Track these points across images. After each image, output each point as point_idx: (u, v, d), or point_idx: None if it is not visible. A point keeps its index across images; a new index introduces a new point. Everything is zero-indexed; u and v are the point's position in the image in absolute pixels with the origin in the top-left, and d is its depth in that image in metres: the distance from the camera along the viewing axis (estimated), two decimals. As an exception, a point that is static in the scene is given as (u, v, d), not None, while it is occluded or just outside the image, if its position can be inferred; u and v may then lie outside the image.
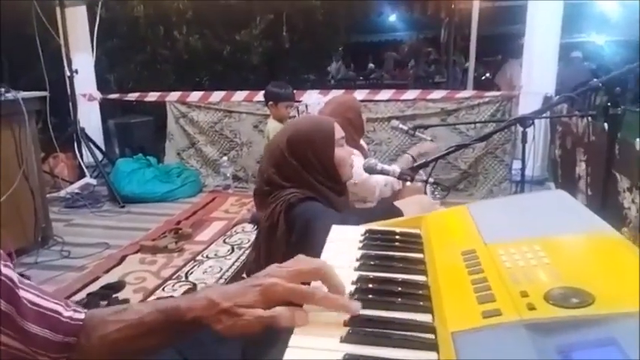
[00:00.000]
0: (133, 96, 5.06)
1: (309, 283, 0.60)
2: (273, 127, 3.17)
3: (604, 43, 9.83)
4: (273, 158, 1.47)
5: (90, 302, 2.40)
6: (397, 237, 0.81)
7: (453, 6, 9.22)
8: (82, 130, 4.38)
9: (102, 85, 5.26)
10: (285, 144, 1.45)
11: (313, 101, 3.34)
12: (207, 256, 3.04)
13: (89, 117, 4.86)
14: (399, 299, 0.60)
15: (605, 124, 1.66)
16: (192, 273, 2.81)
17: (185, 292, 2.51)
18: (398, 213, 1.25)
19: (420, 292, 0.62)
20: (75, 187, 4.18)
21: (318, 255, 0.73)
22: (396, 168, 1.75)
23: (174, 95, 4.85)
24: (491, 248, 0.63)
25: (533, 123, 2.13)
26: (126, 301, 2.46)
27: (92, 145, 4.47)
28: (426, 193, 1.79)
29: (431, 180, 1.78)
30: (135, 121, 5.17)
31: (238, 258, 3.00)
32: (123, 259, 3.01)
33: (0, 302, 0.56)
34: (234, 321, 0.57)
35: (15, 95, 2.85)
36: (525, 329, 0.46)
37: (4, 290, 0.57)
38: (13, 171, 2.86)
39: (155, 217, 3.81)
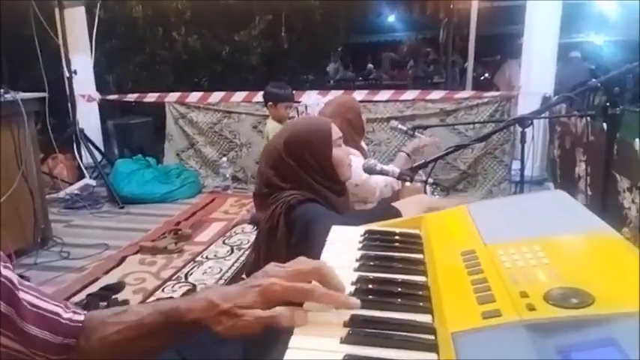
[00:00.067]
0: (132, 97, 5.06)
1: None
2: (272, 127, 3.18)
3: (603, 43, 9.84)
4: (272, 160, 1.47)
5: (89, 303, 2.40)
6: (397, 237, 0.81)
7: (451, 6, 9.23)
8: (81, 130, 4.38)
9: (101, 85, 5.26)
10: (283, 145, 1.45)
11: (312, 102, 3.34)
12: (206, 257, 3.04)
13: (88, 118, 4.86)
14: (399, 300, 0.60)
15: (604, 124, 1.66)
16: (191, 274, 2.81)
17: (185, 293, 2.51)
18: (396, 214, 1.25)
19: (420, 292, 0.62)
20: (74, 188, 4.18)
21: (318, 257, 0.73)
22: (395, 169, 1.75)
23: (173, 96, 4.85)
24: (491, 248, 0.63)
25: (532, 123, 2.13)
26: (125, 302, 2.46)
27: (91, 146, 4.47)
28: (425, 193, 1.79)
29: (430, 180, 1.78)
30: (134, 122, 5.16)
31: (238, 259, 3.00)
32: (122, 260, 3.01)
33: (0, 304, 0.56)
34: (234, 322, 0.57)
35: (14, 96, 2.84)
36: (525, 330, 0.46)
37: (4, 292, 0.57)
38: (12, 172, 2.86)
39: (154, 218, 3.80)
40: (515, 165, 3.85)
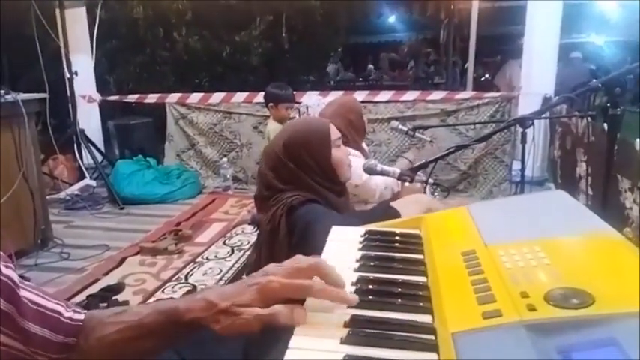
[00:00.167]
0: (132, 97, 5.07)
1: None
2: (273, 128, 3.18)
3: (603, 43, 9.84)
4: (271, 162, 1.47)
5: (90, 304, 2.40)
6: (397, 238, 0.81)
7: (452, 7, 9.23)
8: (82, 131, 4.39)
9: (101, 86, 5.26)
10: (282, 147, 1.45)
11: (313, 102, 3.33)
12: (207, 258, 3.04)
13: (89, 118, 4.86)
14: (399, 300, 0.60)
15: (605, 125, 1.66)
16: (192, 274, 2.81)
17: (185, 294, 2.51)
18: (395, 214, 1.25)
19: (420, 292, 0.62)
20: (75, 189, 4.18)
21: (318, 256, 0.73)
22: (395, 169, 1.75)
23: (173, 97, 4.86)
24: (492, 249, 0.63)
25: (532, 124, 2.13)
26: (125, 302, 2.46)
27: (92, 147, 4.47)
28: (425, 194, 1.79)
29: (430, 181, 1.78)
30: (134, 123, 5.17)
31: (238, 259, 3.00)
32: (123, 260, 3.01)
33: (0, 302, 0.56)
34: (232, 320, 0.57)
35: (15, 97, 2.85)
36: (525, 330, 0.46)
37: (5, 290, 0.57)
38: (12, 173, 2.86)
39: (155, 219, 3.81)
40: (516, 165, 3.84)
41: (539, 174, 4.23)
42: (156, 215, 3.91)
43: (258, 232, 1.56)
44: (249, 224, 3.44)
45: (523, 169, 2.47)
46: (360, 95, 4.56)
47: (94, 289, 2.62)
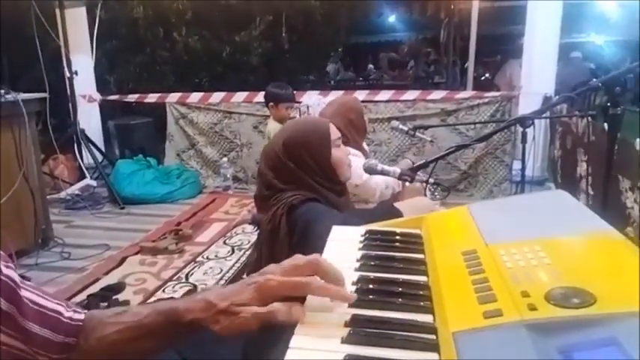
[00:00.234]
0: (132, 97, 5.07)
1: None
2: (273, 127, 3.17)
3: (603, 43, 9.83)
4: (271, 162, 1.47)
5: (90, 304, 2.40)
6: (398, 237, 0.81)
7: (452, 6, 9.23)
8: (82, 131, 4.39)
9: (102, 86, 5.26)
10: (281, 147, 1.45)
11: (313, 102, 3.34)
12: (207, 258, 3.04)
13: (89, 118, 4.86)
14: (400, 300, 0.60)
15: (605, 124, 1.66)
16: (192, 274, 2.81)
17: (185, 294, 2.51)
18: (397, 214, 1.25)
19: (421, 292, 0.62)
20: (75, 189, 4.18)
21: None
22: (396, 169, 1.75)
23: (174, 96, 4.85)
24: (492, 248, 0.63)
25: (533, 123, 2.13)
26: (126, 302, 2.46)
27: (92, 147, 4.47)
28: (426, 193, 1.79)
29: (431, 180, 1.78)
30: (135, 123, 5.17)
31: (239, 259, 3.00)
32: (123, 260, 3.01)
33: (0, 302, 0.56)
34: (231, 320, 0.57)
35: (15, 97, 2.84)
36: (526, 329, 0.46)
37: (6, 290, 0.57)
38: (13, 172, 2.86)
39: (155, 219, 3.81)
40: (516, 165, 3.85)
41: (539, 173, 4.23)
42: (156, 215, 3.91)
43: (258, 231, 1.57)
44: (249, 224, 3.44)
45: (523, 168, 2.47)
46: (360, 95, 4.55)
47: (94, 288, 2.62)
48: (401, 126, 2.73)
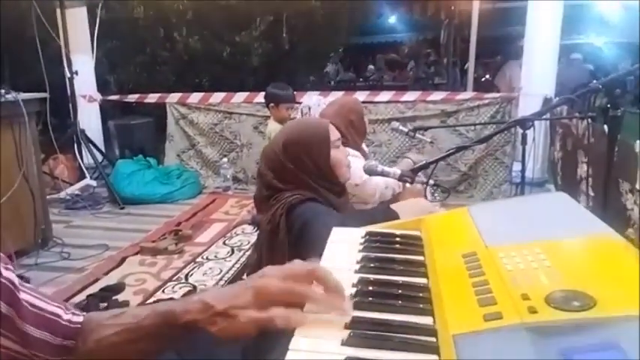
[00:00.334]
0: (132, 97, 5.07)
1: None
2: (273, 128, 3.17)
3: (603, 44, 9.84)
4: (270, 162, 1.47)
5: (90, 304, 2.40)
6: (398, 239, 0.81)
7: (452, 7, 9.23)
8: (82, 131, 4.39)
9: (102, 86, 5.26)
10: (281, 147, 1.45)
11: (314, 102, 3.33)
12: (207, 258, 3.04)
13: (89, 118, 4.86)
14: (400, 302, 0.60)
15: (605, 126, 1.66)
16: (192, 275, 2.81)
17: (185, 294, 2.51)
18: (394, 216, 1.25)
19: (421, 294, 0.62)
20: (75, 189, 4.18)
21: (316, 255, 0.73)
22: (396, 170, 1.75)
23: (174, 97, 4.85)
24: (492, 251, 0.63)
25: (533, 125, 2.13)
26: (126, 302, 2.46)
27: (92, 147, 4.47)
28: (426, 195, 1.79)
29: (431, 182, 1.78)
30: (135, 123, 5.17)
31: (238, 260, 3.00)
32: (123, 260, 3.00)
33: (0, 305, 0.56)
34: (229, 323, 0.57)
35: (15, 96, 2.85)
36: (527, 332, 0.46)
37: (5, 293, 0.57)
38: (13, 172, 2.86)
39: (155, 219, 3.81)
40: (516, 166, 3.85)
41: (539, 175, 4.23)
42: (156, 215, 3.91)
43: (258, 232, 1.57)
44: (249, 224, 3.44)
45: (523, 170, 2.47)
46: (360, 95, 4.55)
47: (94, 288, 2.62)
48: (401, 127, 2.72)
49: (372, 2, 10.61)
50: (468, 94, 4.68)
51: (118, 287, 2.63)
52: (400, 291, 0.63)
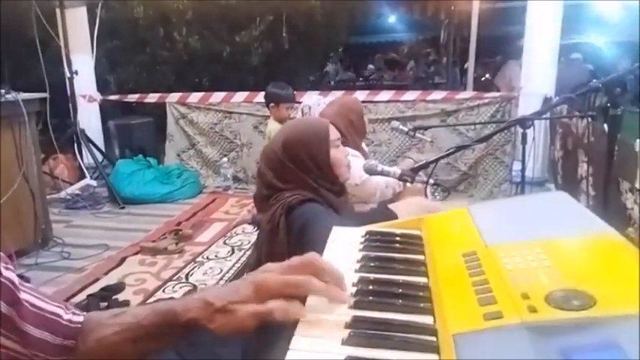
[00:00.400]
0: (132, 97, 5.07)
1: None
2: (273, 128, 3.17)
3: (603, 44, 9.83)
4: (270, 162, 1.47)
5: (90, 304, 2.40)
6: (398, 239, 0.81)
7: (452, 7, 9.23)
8: (82, 131, 4.39)
9: (102, 86, 5.27)
10: (281, 147, 1.45)
11: (313, 102, 3.34)
12: (207, 258, 3.04)
13: (89, 118, 4.87)
14: (400, 301, 0.60)
15: (605, 125, 1.66)
16: (192, 274, 2.81)
17: (185, 294, 2.51)
18: (392, 216, 1.25)
19: (421, 293, 0.62)
20: (75, 189, 4.18)
21: None
22: (396, 169, 1.75)
23: (174, 96, 4.86)
24: (492, 250, 0.63)
25: (532, 124, 2.13)
26: (126, 302, 2.46)
27: (92, 147, 4.47)
28: (426, 194, 1.79)
29: (431, 181, 1.78)
30: (135, 123, 5.17)
31: (239, 259, 3.00)
32: (123, 260, 3.01)
33: (0, 305, 0.56)
34: (228, 318, 0.57)
35: (15, 96, 2.85)
36: (527, 331, 0.46)
37: (5, 293, 0.57)
38: (13, 172, 2.86)
39: (155, 219, 3.81)
40: (516, 166, 3.85)
41: (539, 174, 4.23)
42: (156, 215, 3.91)
43: (258, 231, 1.57)
44: (249, 224, 3.44)
45: (523, 169, 2.47)
46: (360, 95, 4.56)
47: (94, 288, 2.62)
48: (401, 126, 2.72)
49: (372, 2, 10.59)
50: (468, 93, 4.68)
51: (118, 287, 2.63)
52: (400, 290, 0.63)
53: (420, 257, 0.74)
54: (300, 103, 3.53)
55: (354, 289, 0.63)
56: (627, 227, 2.03)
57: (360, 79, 12.33)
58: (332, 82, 10.70)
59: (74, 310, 0.66)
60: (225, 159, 4.61)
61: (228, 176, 4.54)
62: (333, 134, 1.52)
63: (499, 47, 9.21)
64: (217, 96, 4.75)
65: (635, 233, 1.94)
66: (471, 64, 6.82)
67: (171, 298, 2.44)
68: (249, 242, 3.21)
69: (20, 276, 0.61)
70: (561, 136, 3.68)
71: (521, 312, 0.48)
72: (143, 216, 3.91)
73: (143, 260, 3.01)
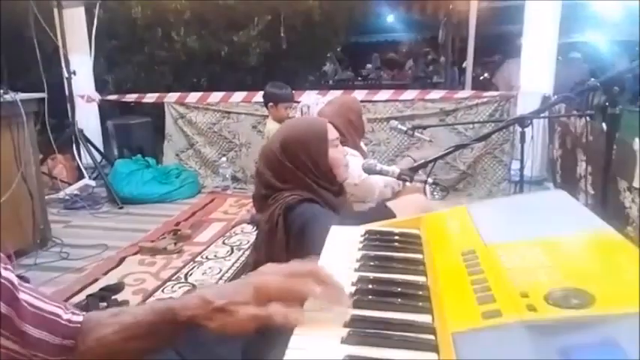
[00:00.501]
0: (131, 97, 5.07)
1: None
2: (272, 127, 3.17)
3: (602, 43, 9.83)
4: (269, 162, 1.47)
5: (89, 304, 2.40)
6: (397, 237, 0.81)
7: (451, 6, 9.22)
8: (81, 131, 4.38)
9: (100, 86, 5.26)
10: (279, 147, 1.45)
11: (312, 102, 3.33)
12: (206, 257, 3.04)
13: (87, 118, 4.86)
14: (399, 300, 0.60)
15: (604, 124, 1.66)
16: (191, 274, 2.81)
17: (185, 294, 2.51)
18: (390, 215, 1.25)
19: (420, 292, 0.62)
20: (74, 189, 4.18)
21: (314, 255, 0.73)
22: (395, 169, 1.75)
23: (172, 96, 4.85)
24: (491, 249, 0.63)
25: (531, 123, 2.13)
26: (125, 302, 2.46)
27: (91, 147, 4.47)
28: (425, 193, 1.79)
29: (430, 180, 1.78)
30: (133, 123, 5.16)
31: (238, 259, 3.00)
32: (122, 260, 3.00)
33: (0, 305, 0.56)
34: (228, 319, 0.57)
35: (13, 97, 2.84)
36: (526, 330, 0.46)
37: (5, 293, 0.57)
38: (11, 173, 2.85)
39: (154, 218, 3.80)
40: (515, 165, 3.85)
41: (537, 173, 4.24)
42: (155, 215, 3.90)
43: (257, 231, 1.57)
44: (248, 224, 3.44)
45: (522, 168, 2.47)
46: (359, 94, 4.56)
47: (93, 288, 2.62)
48: (400, 126, 2.72)
49: (371, 2, 10.58)
50: (467, 92, 4.68)
51: (118, 287, 2.63)
52: (399, 289, 0.63)
53: (419, 256, 0.74)
54: (298, 102, 3.53)
55: (353, 289, 0.63)
56: (626, 226, 2.03)
57: (359, 78, 12.31)
58: (330, 82, 10.68)
59: (73, 309, 0.66)
60: (223, 159, 4.61)
61: (227, 176, 4.53)
62: (332, 134, 1.52)
63: (498, 46, 9.21)
64: (216, 96, 4.74)
65: (633, 232, 1.94)
66: (469, 64, 6.82)
67: (170, 298, 2.44)
68: (248, 242, 3.21)
69: (19, 276, 0.61)
70: (560, 135, 3.69)
71: (520, 310, 0.48)
72: (142, 216, 3.91)
73: (142, 260, 3.01)
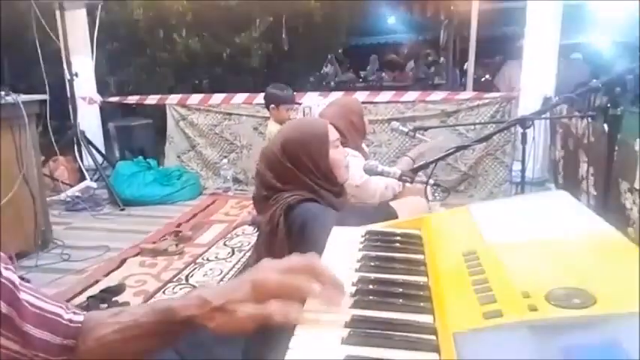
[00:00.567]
0: (132, 99, 5.07)
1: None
2: (273, 129, 3.17)
3: (603, 44, 9.82)
4: (270, 163, 1.47)
5: (90, 305, 2.40)
6: (398, 238, 0.81)
7: (452, 7, 9.22)
8: (82, 133, 4.39)
9: (102, 88, 5.27)
10: (280, 148, 1.45)
11: (314, 103, 3.34)
12: (207, 259, 3.04)
13: (89, 120, 4.87)
14: (400, 300, 0.60)
15: (605, 125, 1.66)
16: (192, 276, 2.81)
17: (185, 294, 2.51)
18: (393, 214, 1.25)
19: (421, 293, 0.62)
20: (75, 190, 4.18)
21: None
22: (396, 170, 1.75)
23: (174, 98, 4.86)
24: (492, 249, 0.63)
25: (532, 124, 2.13)
26: (126, 304, 2.46)
27: (92, 148, 4.48)
28: (426, 194, 1.79)
29: (431, 181, 1.78)
30: (135, 124, 5.17)
31: (239, 260, 3.00)
32: (123, 262, 3.00)
33: (0, 305, 0.56)
34: (227, 318, 0.57)
35: (15, 99, 2.84)
36: (527, 330, 0.45)
37: (5, 293, 0.57)
38: (13, 174, 2.86)
39: (155, 220, 3.81)
40: (516, 166, 3.85)
41: (539, 175, 4.23)
42: (156, 216, 3.91)
43: (258, 233, 1.57)
44: (249, 225, 3.44)
45: (523, 169, 2.47)
46: (360, 96, 4.56)
47: (94, 290, 2.62)
48: (401, 127, 2.72)
49: (372, 3, 10.59)
50: (468, 93, 4.68)
51: (119, 288, 2.63)
52: (400, 289, 0.63)
53: (420, 257, 0.74)
54: (299, 104, 3.53)
55: (353, 289, 0.63)
56: (626, 227, 2.03)
57: (360, 79, 12.32)
58: (332, 83, 10.69)
59: (74, 309, 0.66)
60: (225, 160, 4.61)
61: (228, 178, 4.54)
62: (333, 135, 1.52)
63: (499, 47, 9.21)
64: (217, 97, 4.75)
65: (634, 233, 1.94)
66: (470, 65, 6.81)
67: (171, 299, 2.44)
68: (249, 243, 3.21)
69: (20, 278, 0.61)
70: (561, 136, 3.68)
71: (521, 310, 0.48)
72: (143, 217, 3.91)
73: (143, 262, 3.01)
